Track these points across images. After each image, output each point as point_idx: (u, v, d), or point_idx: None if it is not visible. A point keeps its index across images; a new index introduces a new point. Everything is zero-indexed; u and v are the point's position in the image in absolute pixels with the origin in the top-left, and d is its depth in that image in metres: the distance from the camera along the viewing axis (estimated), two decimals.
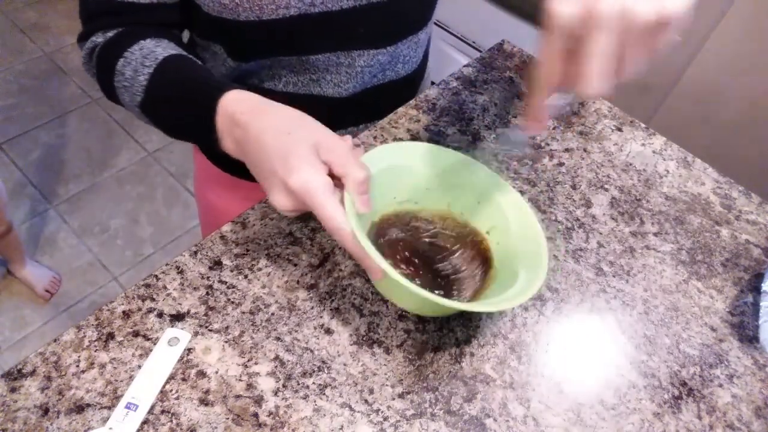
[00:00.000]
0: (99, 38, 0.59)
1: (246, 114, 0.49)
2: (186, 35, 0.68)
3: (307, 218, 0.58)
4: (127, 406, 0.45)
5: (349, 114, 0.73)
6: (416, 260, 0.53)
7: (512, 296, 0.46)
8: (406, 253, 0.53)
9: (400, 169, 0.54)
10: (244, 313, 0.51)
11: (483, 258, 0.54)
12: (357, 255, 0.45)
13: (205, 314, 0.51)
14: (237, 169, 0.78)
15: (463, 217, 0.56)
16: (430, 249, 0.54)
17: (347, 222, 0.44)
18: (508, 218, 0.53)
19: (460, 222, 0.56)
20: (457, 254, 0.54)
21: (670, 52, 0.38)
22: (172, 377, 0.47)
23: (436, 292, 0.51)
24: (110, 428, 0.44)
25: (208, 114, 0.51)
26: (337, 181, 0.46)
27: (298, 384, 0.48)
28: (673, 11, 0.36)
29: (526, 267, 0.49)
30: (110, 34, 0.59)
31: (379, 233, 0.54)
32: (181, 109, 0.55)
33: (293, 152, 0.45)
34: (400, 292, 0.49)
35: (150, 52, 0.56)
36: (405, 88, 0.76)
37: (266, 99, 0.51)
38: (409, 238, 0.55)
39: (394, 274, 0.42)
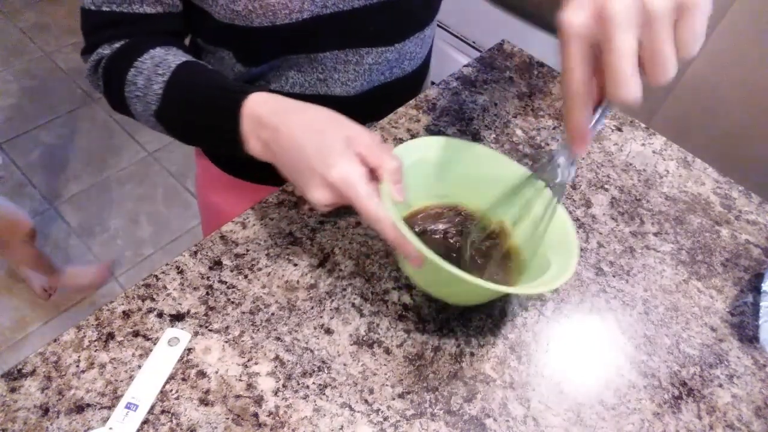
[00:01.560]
0: (105, 50, 0.59)
1: (274, 115, 0.50)
2: (186, 41, 0.68)
3: (307, 218, 0.58)
4: (127, 406, 0.45)
5: (358, 113, 0.73)
6: (445, 253, 0.53)
7: (549, 279, 0.46)
8: (435, 246, 0.53)
9: (429, 164, 0.54)
10: (244, 313, 0.51)
11: (511, 250, 0.54)
12: (397, 242, 0.45)
13: (205, 314, 0.51)
14: (240, 171, 0.78)
15: (490, 210, 0.56)
16: (458, 243, 0.55)
17: (387, 211, 0.45)
18: (535, 210, 0.53)
19: (488, 215, 0.56)
20: (486, 247, 0.54)
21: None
22: (172, 377, 0.47)
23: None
24: (110, 428, 0.44)
25: (232, 118, 0.51)
26: (370, 173, 0.48)
27: (298, 384, 0.48)
28: None
29: (556, 254, 0.49)
30: (117, 45, 0.59)
31: (408, 227, 0.54)
32: (202, 115, 0.55)
33: (329, 148, 0.47)
34: (438, 277, 0.49)
35: (162, 60, 0.56)
36: (411, 85, 0.76)
37: (289, 99, 0.52)
38: (437, 232, 0.55)
39: (437, 259, 0.43)
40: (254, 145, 0.52)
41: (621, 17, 0.33)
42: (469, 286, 0.44)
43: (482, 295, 0.52)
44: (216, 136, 0.56)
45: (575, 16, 0.35)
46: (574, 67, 0.36)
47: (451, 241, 0.55)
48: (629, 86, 0.34)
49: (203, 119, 0.55)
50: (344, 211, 0.59)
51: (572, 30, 0.35)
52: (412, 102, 0.72)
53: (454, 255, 0.54)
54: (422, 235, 0.55)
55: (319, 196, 0.47)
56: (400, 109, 0.71)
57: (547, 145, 0.70)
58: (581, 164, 0.69)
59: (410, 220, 0.55)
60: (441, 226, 0.56)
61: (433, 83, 0.82)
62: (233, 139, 0.52)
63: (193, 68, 0.56)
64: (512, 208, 0.55)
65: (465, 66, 0.78)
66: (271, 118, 0.50)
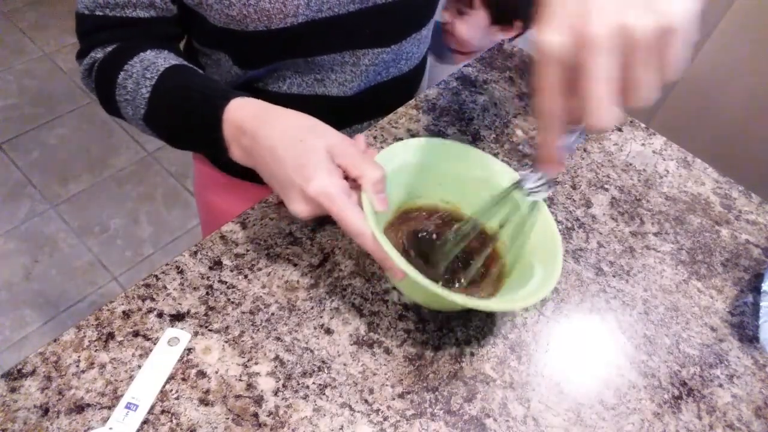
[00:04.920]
0: (98, 53, 0.59)
1: (252, 121, 0.49)
2: (182, 43, 0.68)
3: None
4: (127, 406, 0.45)
5: (354, 112, 0.73)
6: (430, 256, 0.53)
7: (532, 291, 0.46)
8: (421, 250, 0.53)
9: (414, 167, 0.54)
10: (244, 313, 0.51)
11: (496, 252, 0.54)
12: (378, 257, 0.45)
13: (205, 314, 0.51)
14: (238, 171, 0.78)
15: (477, 211, 0.56)
16: (444, 244, 0.55)
17: (367, 225, 0.45)
18: (521, 212, 0.53)
19: (475, 217, 0.56)
20: (472, 249, 0.54)
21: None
22: (172, 377, 0.47)
23: (451, 287, 0.51)
24: (110, 428, 0.44)
25: (214, 124, 0.51)
26: (352, 183, 0.47)
27: (298, 384, 0.48)
28: (675, 20, 0.32)
29: (541, 260, 0.49)
30: (109, 48, 0.59)
31: (394, 230, 0.54)
32: (186, 120, 0.55)
33: (308, 160, 0.46)
34: (421, 291, 0.50)
35: (151, 64, 0.56)
36: (408, 84, 0.76)
37: (270, 104, 0.51)
38: (423, 235, 0.55)
39: (416, 275, 0.43)
40: (236, 151, 0.51)
41: (600, 42, 0.32)
42: (448, 300, 0.44)
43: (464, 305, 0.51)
44: (201, 141, 0.55)
45: (553, 38, 0.33)
46: (549, 89, 0.35)
47: (437, 244, 0.55)
48: (603, 114, 0.33)
49: (188, 125, 0.55)
50: None
51: (549, 52, 0.34)
52: (411, 102, 0.72)
53: (439, 259, 0.53)
54: (409, 238, 0.54)
55: (299, 209, 0.47)
56: (400, 109, 0.71)
57: None
58: (581, 164, 0.69)
59: (397, 223, 0.55)
60: (428, 229, 0.56)
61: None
62: (217, 146, 0.52)
63: (180, 72, 0.56)
64: (497, 212, 0.54)
65: (465, 66, 0.78)
66: (250, 125, 0.49)
